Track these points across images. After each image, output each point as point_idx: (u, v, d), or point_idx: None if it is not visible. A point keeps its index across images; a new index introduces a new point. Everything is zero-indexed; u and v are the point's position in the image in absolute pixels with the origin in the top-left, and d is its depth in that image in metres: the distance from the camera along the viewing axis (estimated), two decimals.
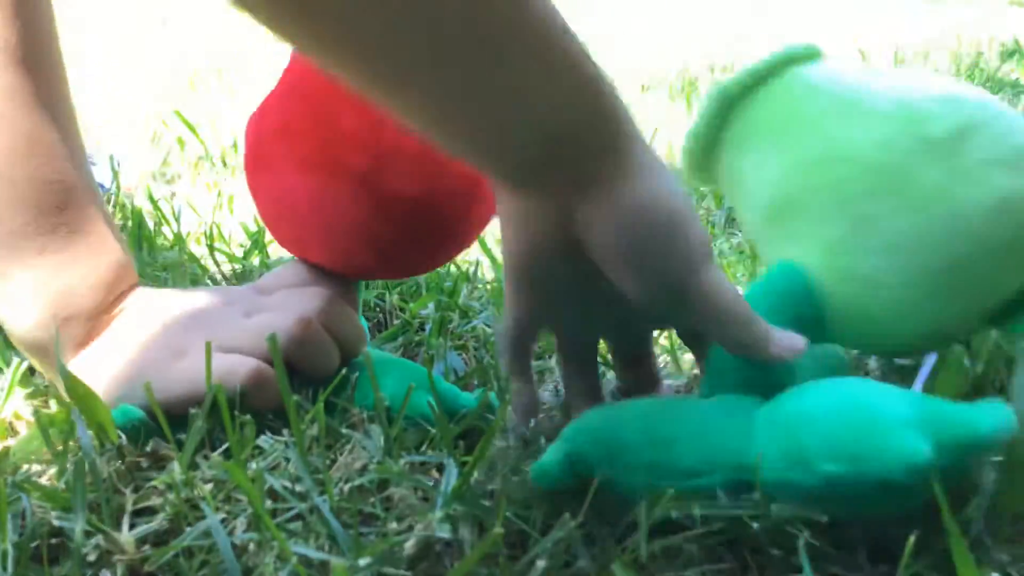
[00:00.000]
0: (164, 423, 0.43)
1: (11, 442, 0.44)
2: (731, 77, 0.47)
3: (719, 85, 0.47)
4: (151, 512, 0.39)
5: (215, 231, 0.77)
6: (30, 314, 0.48)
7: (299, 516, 0.38)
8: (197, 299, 0.51)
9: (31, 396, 0.50)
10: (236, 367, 0.45)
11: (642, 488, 0.35)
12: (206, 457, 0.42)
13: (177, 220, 0.80)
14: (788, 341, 0.39)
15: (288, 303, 0.49)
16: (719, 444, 0.36)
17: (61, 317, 0.48)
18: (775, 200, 0.45)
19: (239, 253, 0.74)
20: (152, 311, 0.50)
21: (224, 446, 0.43)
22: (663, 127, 1.02)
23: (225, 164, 1.07)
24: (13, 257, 0.47)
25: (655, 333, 0.57)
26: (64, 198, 0.48)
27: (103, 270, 0.49)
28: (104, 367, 0.47)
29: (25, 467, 0.42)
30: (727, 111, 0.48)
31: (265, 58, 2.15)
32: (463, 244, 0.54)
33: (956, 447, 0.32)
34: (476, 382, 0.54)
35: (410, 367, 0.50)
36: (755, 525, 0.34)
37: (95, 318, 0.49)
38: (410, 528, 0.37)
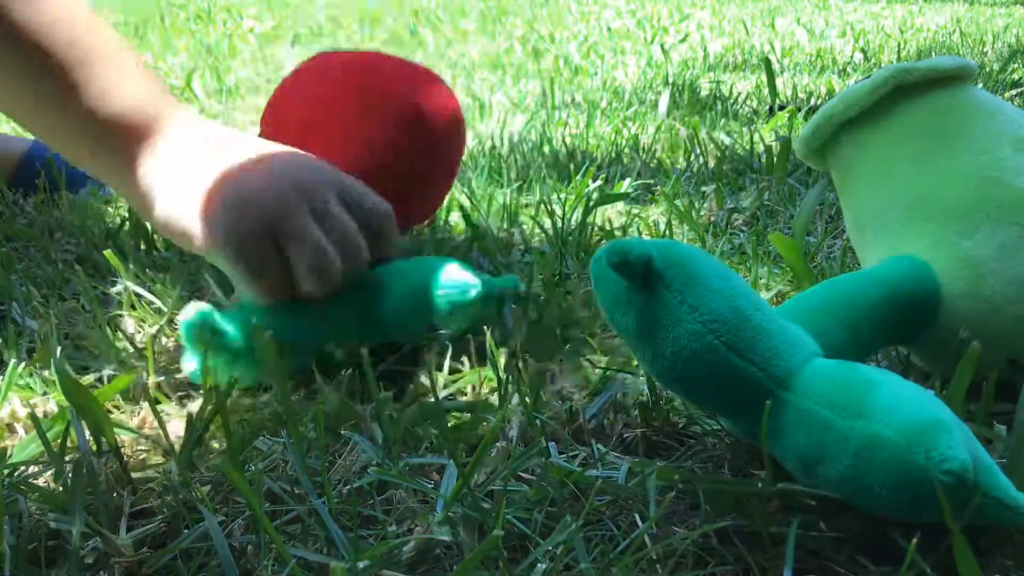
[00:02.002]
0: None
1: (9, 443, 0.43)
2: (906, 64, 0.47)
3: (893, 67, 0.47)
4: (149, 514, 0.39)
5: None
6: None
7: (298, 518, 0.38)
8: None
9: (29, 397, 0.50)
10: None
11: (709, 307, 0.35)
12: (203, 458, 0.42)
13: None
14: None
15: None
16: (797, 334, 0.37)
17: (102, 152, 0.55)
18: (917, 198, 0.46)
19: None
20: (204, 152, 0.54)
21: (222, 447, 0.43)
22: None
23: None
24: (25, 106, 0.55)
25: None
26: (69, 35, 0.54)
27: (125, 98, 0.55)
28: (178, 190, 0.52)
29: (22, 468, 0.42)
30: (887, 99, 0.48)
31: (262, 58, 2.14)
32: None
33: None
34: (473, 383, 0.54)
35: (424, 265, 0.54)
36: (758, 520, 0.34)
37: (135, 138, 0.54)
38: (410, 531, 0.37)
